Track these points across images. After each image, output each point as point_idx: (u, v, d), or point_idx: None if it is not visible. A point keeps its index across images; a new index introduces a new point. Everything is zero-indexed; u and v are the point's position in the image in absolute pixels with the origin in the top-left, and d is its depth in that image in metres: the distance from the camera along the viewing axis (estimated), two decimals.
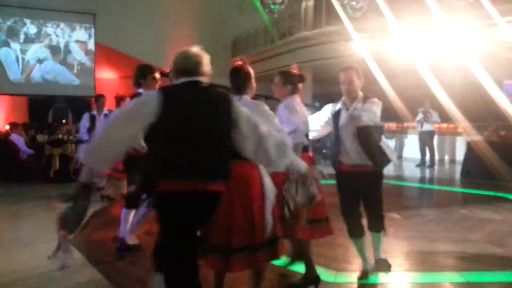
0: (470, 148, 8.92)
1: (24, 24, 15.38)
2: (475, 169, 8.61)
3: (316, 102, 14.18)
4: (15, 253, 4.14)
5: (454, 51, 8.92)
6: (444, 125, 11.72)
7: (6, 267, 3.70)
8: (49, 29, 15.72)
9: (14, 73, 15.35)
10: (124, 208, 4.00)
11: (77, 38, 16.05)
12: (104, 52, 15.79)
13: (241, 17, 16.23)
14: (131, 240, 4.08)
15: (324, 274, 3.48)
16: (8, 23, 15.26)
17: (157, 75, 3.83)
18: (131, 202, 3.91)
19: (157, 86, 3.79)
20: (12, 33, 15.28)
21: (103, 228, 5.09)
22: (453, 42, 8.82)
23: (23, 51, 15.42)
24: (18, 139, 8.83)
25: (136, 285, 3.30)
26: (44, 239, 4.61)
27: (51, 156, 8.45)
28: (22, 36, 15.43)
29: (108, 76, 16.53)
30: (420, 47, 9.25)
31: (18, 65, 15.37)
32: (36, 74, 15.67)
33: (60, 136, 9.12)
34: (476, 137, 8.98)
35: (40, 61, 15.72)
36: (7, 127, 11.84)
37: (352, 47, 10.24)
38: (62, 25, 15.88)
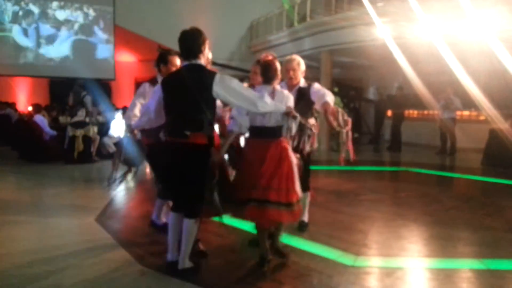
0: (493, 136, 8.76)
1: (46, 6, 15.53)
2: (497, 157, 8.48)
3: (335, 87, 14.06)
4: (41, 232, 4.27)
5: (479, 37, 8.70)
6: (466, 113, 11.52)
7: (33, 246, 3.83)
8: (69, 11, 15.86)
9: (32, 54, 15.58)
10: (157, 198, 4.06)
11: (97, 21, 16.16)
12: (123, 35, 15.88)
13: (260, 0, 16.10)
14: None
15: (343, 257, 3.52)
16: (32, 5, 15.43)
17: (177, 62, 3.81)
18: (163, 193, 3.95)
19: None
20: (32, 15, 15.45)
21: (131, 209, 5.22)
22: (478, 27, 8.60)
23: (44, 35, 15.61)
24: (42, 120, 9.02)
25: (163, 263, 3.36)
26: (70, 218, 4.76)
27: (74, 138, 8.61)
28: (43, 19, 15.60)
29: (127, 59, 16.65)
30: (444, 32, 9.05)
31: (39, 46, 15.57)
32: (56, 56, 15.88)
33: (82, 118, 9.27)
34: (499, 125, 8.81)
35: (60, 43, 15.90)
36: (30, 108, 12.09)
37: (374, 32, 10.07)
38: (82, 7, 15.99)
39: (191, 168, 3.00)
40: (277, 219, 3.18)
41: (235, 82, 3.05)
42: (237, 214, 3.39)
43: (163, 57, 3.79)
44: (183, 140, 2.96)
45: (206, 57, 3.17)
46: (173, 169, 3.08)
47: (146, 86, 3.76)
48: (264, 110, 3.04)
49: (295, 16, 14.16)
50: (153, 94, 3.33)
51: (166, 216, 3.96)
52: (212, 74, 3.00)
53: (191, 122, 2.97)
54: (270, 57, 3.40)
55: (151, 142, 3.72)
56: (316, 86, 3.77)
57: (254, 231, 3.47)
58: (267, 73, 3.34)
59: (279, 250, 3.45)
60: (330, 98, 3.55)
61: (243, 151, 3.43)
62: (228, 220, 3.59)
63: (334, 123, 3.36)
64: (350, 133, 3.51)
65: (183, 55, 3.10)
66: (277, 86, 3.38)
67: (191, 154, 2.99)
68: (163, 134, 3.24)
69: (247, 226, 4.17)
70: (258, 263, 3.27)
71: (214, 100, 3.04)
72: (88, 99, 11.80)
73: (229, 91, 2.99)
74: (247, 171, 3.24)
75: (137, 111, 3.60)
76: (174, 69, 3.76)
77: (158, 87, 3.24)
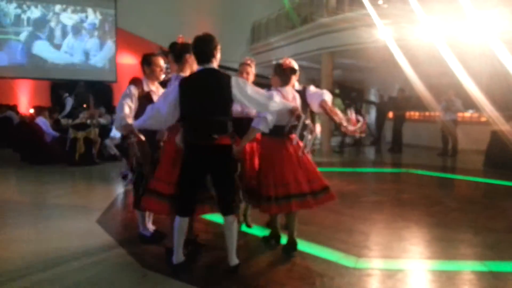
0: (494, 138, 8.74)
1: (49, 9, 15.57)
2: (499, 159, 8.45)
3: (336, 89, 14.06)
4: (42, 234, 4.27)
5: (481, 38, 8.70)
6: (468, 114, 11.51)
7: (34, 248, 3.83)
8: (71, 14, 15.91)
9: (34, 57, 15.61)
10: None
11: (99, 24, 16.21)
12: (125, 38, 15.92)
13: (261, 2, 16.12)
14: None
15: (345, 259, 3.51)
16: (34, 8, 15.47)
17: (161, 63, 3.80)
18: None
19: (161, 74, 3.79)
20: (38, 19, 15.50)
21: (132, 211, 5.22)
22: (480, 29, 8.60)
23: (45, 38, 15.64)
24: (44, 123, 9.03)
25: (164, 265, 3.37)
26: (71, 220, 4.77)
27: (75, 140, 8.62)
28: (45, 21, 15.65)
29: (129, 62, 16.69)
30: (446, 34, 9.05)
31: (40, 49, 15.60)
32: (58, 58, 15.92)
33: (83, 120, 9.29)
34: (501, 127, 8.79)
35: (62, 46, 15.95)
36: (31, 110, 12.11)
37: (375, 34, 10.08)
38: (84, 10, 16.04)
39: (222, 169, 3.17)
40: (305, 207, 3.53)
41: (248, 85, 3.23)
42: (263, 209, 3.58)
43: (146, 58, 3.76)
44: (211, 142, 3.08)
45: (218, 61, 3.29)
46: (200, 172, 3.18)
47: (132, 88, 3.64)
48: (273, 109, 3.24)
49: (296, 18, 14.17)
50: (165, 96, 3.23)
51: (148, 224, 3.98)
52: (228, 77, 3.16)
53: (218, 125, 3.11)
54: (287, 62, 3.70)
55: None
56: (312, 88, 3.84)
57: (251, 231, 3.55)
58: (282, 77, 3.65)
59: (293, 238, 3.67)
60: (327, 96, 3.67)
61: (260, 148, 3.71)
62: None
63: (336, 118, 3.51)
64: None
65: (197, 60, 3.20)
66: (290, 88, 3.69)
67: (220, 155, 3.14)
68: (185, 138, 3.19)
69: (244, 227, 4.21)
70: (273, 242, 3.78)
71: (232, 102, 3.17)
72: (69, 101, 11.70)
73: (243, 93, 3.15)
74: (263, 167, 3.55)
75: (127, 111, 3.52)
76: (158, 69, 3.75)
77: (172, 89, 3.18)
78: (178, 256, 3.21)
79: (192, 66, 3.55)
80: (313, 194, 3.52)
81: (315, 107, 3.71)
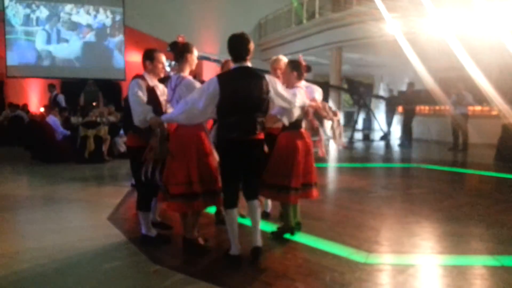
0: (505, 132, 8.66)
1: (57, 9, 15.68)
2: (510, 153, 8.38)
3: (345, 84, 14.00)
4: (53, 231, 4.32)
5: (490, 31, 8.60)
6: (478, 108, 11.40)
7: (45, 244, 3.88)
8: (80, 13, 16.00)
9: (44, 56, 15.74)
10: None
11: (108, 23, 16.29)
12: (133, 35, 15.97)
13: None
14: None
15: (355, 255, 3.51)
16: (43, 8, 15.59)
17: (163, 59, 3.79)
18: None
19: (163, 70, 3.77)
20: (47, 18, 15.61)
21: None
22: (489, 22, 8.50)
23: (56, 37, 15.76)
24: (54, 121, 9.11)
25: (173, 259, 3.41)
26: (82, 217, 4.82)
27: (85, 138, 8.69)
28: (55, 21, 15.77)
29: (137, 59, 16.76)
30: (455, 27, 8.96)
31: (50, 48, 15.73)
32: (69, 58, 16.04)
33: (93, 118, 9.36)
34: None
35: (72, 45, 16.06)
36: (42, 109, 12.22)
37: (383, 27, 10.01)
38: (93, 9, 16.13)
39: (257, 160, 3.38)
40: (316, 197, 3.87)
41: (278, 82, 3.43)
42: (278, 198, 3.79)
43: (149, 54, 3.75)
44: (252, 137, 3.27)
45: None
46: (240, 165, 3.31)
47: (139, 81, 3.61)
48: (297, 105, 3.52)
49: (303, 13, 14.12)
50: (201, 92, 3.20)
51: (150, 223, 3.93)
52: (263, 76, 3.33)
53: (260, 121, 3.30)
54: (301, 59, 3.90)
55: (139, 144, 3.56)
56: (303, 83, 3.90)
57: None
58: (298, 71, 3.80)
59: (299, 222, 4.06)
60: (318, 94, 3.89)
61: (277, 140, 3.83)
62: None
63: (324, 114, 3.78)
64: (339, 122, 4.02)
65: (233, 58, 3.31)
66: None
67: (257, 149, 3.35)
68: (222, 134, 3.27)
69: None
70: (289, 233, 3.90)
71: (268, 99, 3.33)
72: (61, 98, 11.69)
73: (276, 91, 3.33)
74: (280, 158, 3.68)
75: (147, 104, 3.51)
76: (160, 66, 3.73)
77: (209, 86, 3.18)
78: (236, 247, 3.33)
79: (191, 66, 3.58)
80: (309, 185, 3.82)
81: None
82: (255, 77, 3.27)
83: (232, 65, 3.97)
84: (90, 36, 16.13)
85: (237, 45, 3.27)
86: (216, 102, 3.19)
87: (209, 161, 3.44)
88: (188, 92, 3.35)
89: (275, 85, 3.35)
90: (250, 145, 3.28)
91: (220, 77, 3.24)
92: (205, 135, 3.50)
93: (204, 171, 3.40)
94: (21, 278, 3.13)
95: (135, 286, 3.01)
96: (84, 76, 16.19)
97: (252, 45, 3.31)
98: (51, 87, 11.61)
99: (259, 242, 3.36)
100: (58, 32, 15.69)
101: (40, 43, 15.54)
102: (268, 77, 3.35)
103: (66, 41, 15.88)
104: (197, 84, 3.45)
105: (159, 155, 3.40)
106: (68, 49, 15.92)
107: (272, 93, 3.30)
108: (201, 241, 3.63)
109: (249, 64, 3.32)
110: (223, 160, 3.34)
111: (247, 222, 4.15)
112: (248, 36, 3.34)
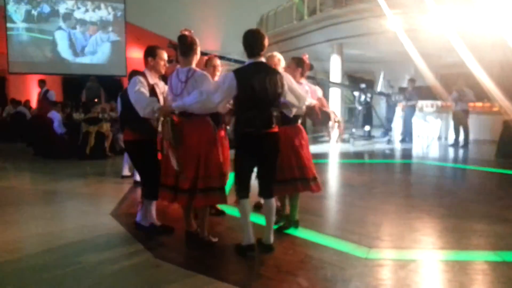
0: (506, 128, 8.66)
1: (58, 5, 15.66)
2: (511, 149, 8.39)
3: (346, 80, 13.98)
4: (56, 227, 4.34)
5: (492, 28, 8.59)
6: (479, 104, 11.39)
7: (47, 241, 3.90)
8: (81, 9, 15.98)
9: (45, 53, 15.72)
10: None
11: (108, 18, 16.28)
12: (134, 32, 15.95)
13: None
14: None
15: (357, 250, 3.53)
16: (44, 4, 15.57)
17: (165, 56, 3.79)
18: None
19: (164, 68, 3.78)
20: (48, 15, 15.60)
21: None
22: (491, 18, 8.49)
23: (56, 33, 15.75)
24: (57, 117, 9.10)
25: (177, 256, 3.43)
26: (84, 213, 4.84)
27: (87, 134, 8.70)
28: (56, 17, 15.75)
29: (138, 56, 16.75)
30: (456, 24, 8.94)
31: (51, 45, 15.71)
32: (70, 54, 16.03)
33: (95, 114, 9.37)
34: None
35: (72, 41, 16.04)
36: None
37: (384, 24, 10.00)
38: (93, 5, 16.10)
39: (272, 154, 3.42)
40: (318, 191, 3.92)
41: (292, 79, 3.52)
42: (283, 191, 3.85)
43: (151, 50, 3.75)
44: (268, 131, 3.33)
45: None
46: (254, 158, 3.39)
47: (140, 77, 3.63)
48: (306, 103, 3.66)
49: (304, 10, 14.09)
50: (218, 85, 3.30)
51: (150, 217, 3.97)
52: (278, 71, 3.43)
53: (276, 115, 3.37)
54: (306, 57, 4.03)
55: (135, 138, 3.65)
56: (305, 82, 4.07)
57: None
58: (301, 69, 3.95)
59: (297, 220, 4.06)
60: (320, 93, 4.11)
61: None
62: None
63: (328, 110, 4.01)
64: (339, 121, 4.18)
65: (248, 53, 3.35)
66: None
67: (272, 142, 3.39)
68: (240, 128, 3.35)
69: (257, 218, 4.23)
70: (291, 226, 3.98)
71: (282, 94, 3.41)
72: (51, 94, 11.61)
73: (289, 86, 3.43)
74: (284, 152, 3.69)
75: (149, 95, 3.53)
76: (162, 63, 3.74)
77: (226, 79, 3.25)
78: (248, 237, 3.36)
79: (197, 59, 3.59)
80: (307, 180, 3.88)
81: None
82: (271, 72, 3.34)
83: (217, 62, 4.18)
84: (91, 33, 16.12)
85: (253, 40, 3.32)
86: (232, 97, 3.29)
87: (212, 156, 3.45)
88: (201, 85, 3.36)
89: (289, 80, 3.45)
90: (267, 138, 3.35)
91: (236, 72, 3.28)
92: (211, 129, 3.53)
93: (207, 165, 3.41)
94: (21, 271, 3.16)
95: (137, 280, 3.04)
96: (85, 73, 16.19)
97: (267, 41, 3.36)
98: (41, 82, 11.59)
99: (270, 240, 3.45)
100: (59, 28, 15.68)
101: (41, 40, 15.51)
102: (282, 72, 3.46)
103: (67, 37, 15.87)
104: (210, 77, 3.49)
105: (174, 143, 3.40)
106: (69, 45, 15.91)
107: (286, 88, 3.38)
108: (212, 239, 3.64)
109: (263, 59, 3.39)
110: (239, 152, 3.40)
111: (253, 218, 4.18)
112: (263, 31, 3.41)
